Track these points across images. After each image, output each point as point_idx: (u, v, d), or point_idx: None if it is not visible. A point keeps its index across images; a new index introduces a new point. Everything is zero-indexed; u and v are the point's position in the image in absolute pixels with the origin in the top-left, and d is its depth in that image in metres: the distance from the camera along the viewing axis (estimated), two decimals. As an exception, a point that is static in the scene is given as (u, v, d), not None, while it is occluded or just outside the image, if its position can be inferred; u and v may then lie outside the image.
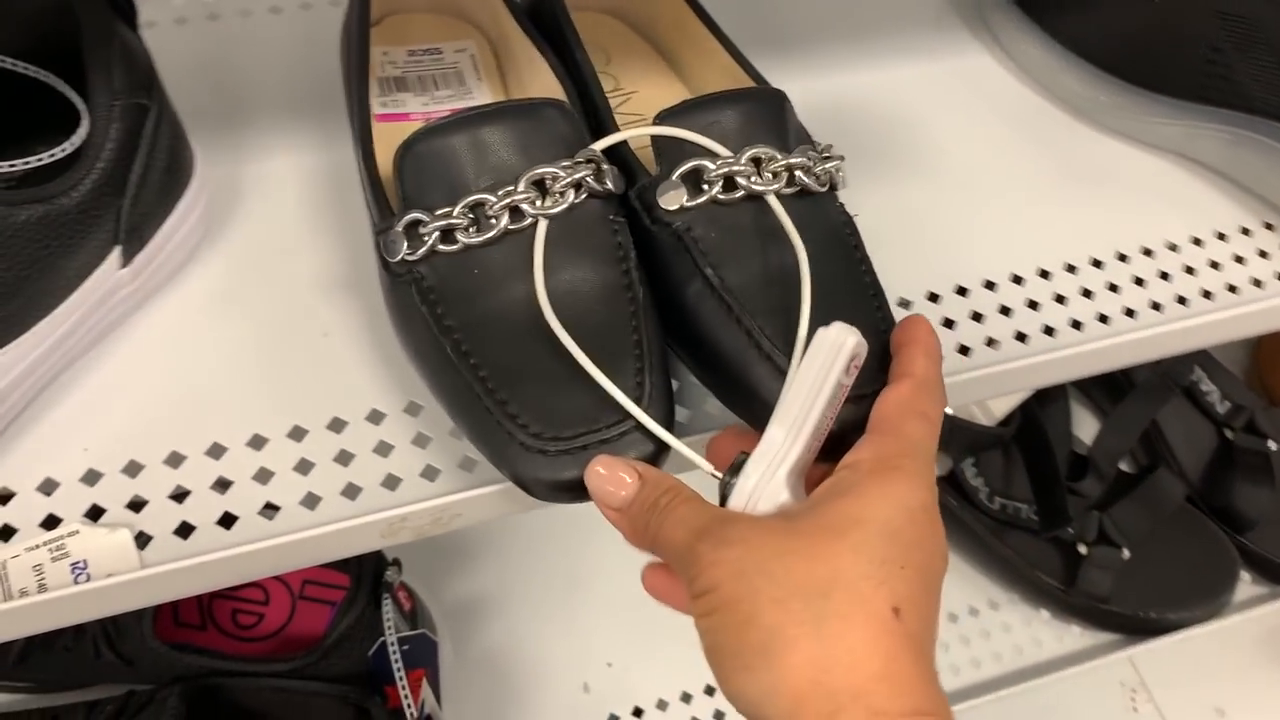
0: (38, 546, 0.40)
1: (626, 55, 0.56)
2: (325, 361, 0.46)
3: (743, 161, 0.43)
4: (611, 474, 0.38)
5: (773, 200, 0.43)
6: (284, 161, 0.52)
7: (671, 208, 0.43)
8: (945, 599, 0.76)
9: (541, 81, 0.50)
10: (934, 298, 0.52)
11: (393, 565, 0.60)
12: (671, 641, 0.70)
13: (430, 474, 0.44)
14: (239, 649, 0.62)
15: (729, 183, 0.43)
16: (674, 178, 0.43)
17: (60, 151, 0.39)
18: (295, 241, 0.50)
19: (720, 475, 0.38)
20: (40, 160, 0.39)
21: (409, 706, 0.54)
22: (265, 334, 0.47)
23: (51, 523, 0.41)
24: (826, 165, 0.45)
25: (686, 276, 0.43)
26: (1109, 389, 0.82)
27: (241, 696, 0.56)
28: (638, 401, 0.39)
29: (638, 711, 0.68)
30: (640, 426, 0.39)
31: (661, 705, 0.68)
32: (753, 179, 0.43)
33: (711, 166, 0.43)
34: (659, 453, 0.39)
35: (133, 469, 0.43)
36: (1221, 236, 0.57)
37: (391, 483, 0.43)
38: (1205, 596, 0.74)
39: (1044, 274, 0.54)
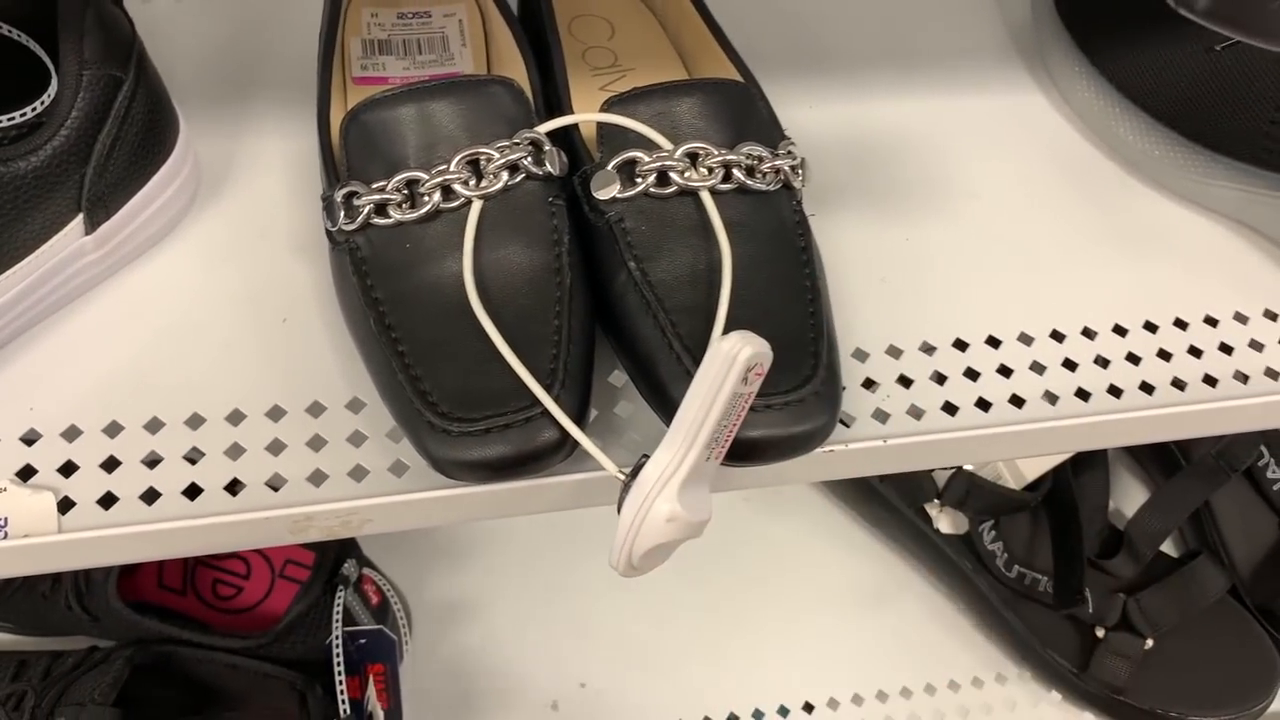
0: (-34, 499, 0.41)
1: (631, 31, 0.55)
2: (279, 349, 0.46)
3: (677, 156, 0.42)
4: None
5: (705, 197, 0.42)
6: (277, 142, 0.52)
7: (605, 197, 0.43)
8: (949, 665, 0.73)
9: (510, 55, 0.49)
10: (928, 349, 0.49)
11: (351, 559, 0.59)
12: (648, 671, 0.69)
13: (358, 474, 0.43)
14: (214, 619, 0.63)
15: (663, 177, 0.42)
16: (609, 168, 0.43)
17: (20, 116, 0.40)
18: (274, 223, 0.50)
19: (622, 476, 0.37)
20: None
21: (342, 701, 0.53)
22: (226, 314, 0.47)
23: (-17, 477, 0.42)
24: (777, 163, 0.43)
25: (615, 267, 0.42)
26: (1163, 464, 0.77)
27: (192, 666, 0.57)
28: (548, 388, 0.38)
29: (603, 737, 0.66)
30: (547, 413, 0.38)
31: (629, 734, 0.67)
32: (686, 174, 0.42)
33: (646, 159, 0.42)
34: (564, 442, 0.38)
35: (71, 434, 0.43)
36: (1271, 315, 0.52)
37: (317, 479, 0.43)
38: (1236, 701, 0.68)
39: (1057, 336, 0.50)
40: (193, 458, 0.43)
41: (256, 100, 0.54)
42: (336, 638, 0.54)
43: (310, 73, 0.54)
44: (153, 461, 0.43)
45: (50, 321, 0.46)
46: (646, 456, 0.37)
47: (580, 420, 0.39)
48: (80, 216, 0.43)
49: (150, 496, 0.42)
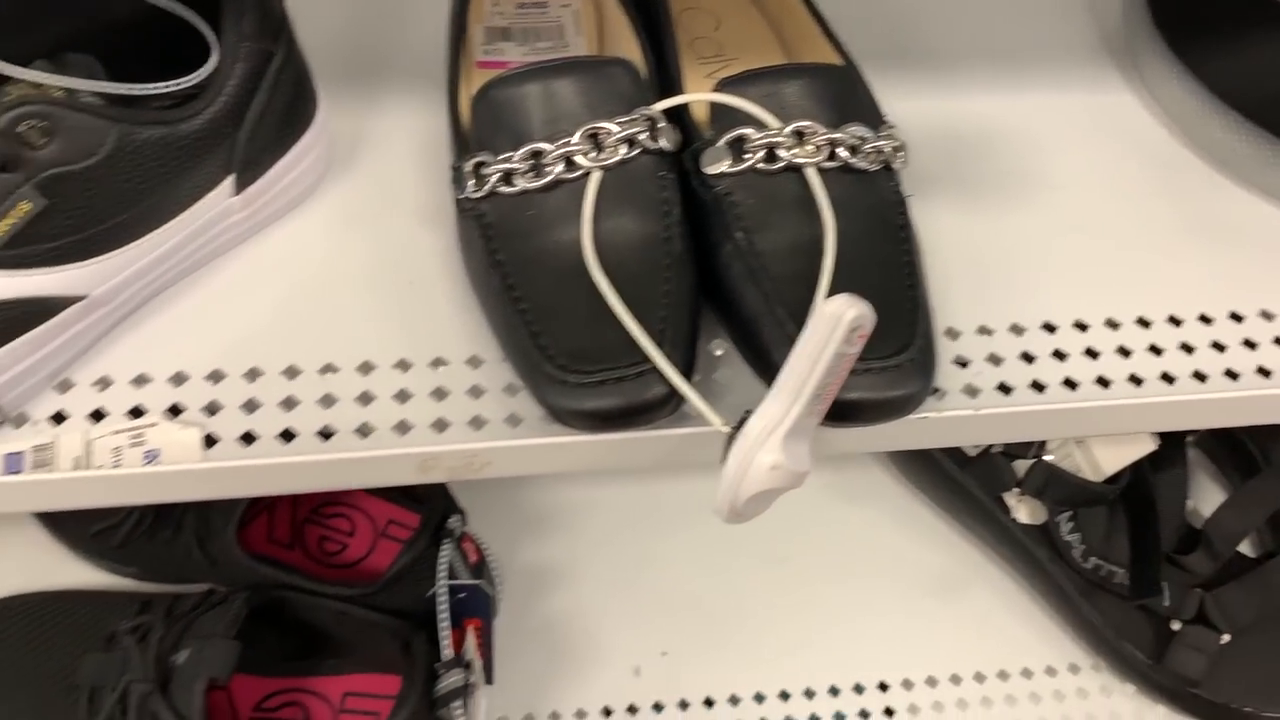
0: (120, 431, 0.45)
1: (736, 23, 0.58)
2: (405, 308, 0.49)
3: (785, 133, 0.44)
4: None
5: (810, 173, 0.44)
6: (403, 120, 0.56)
7: (713, 172, 0.46)
8: (1023, 652, 0.74)
9: (626, 43, 0.52)
10: (1017, 330, 0.51)
11: (457, 514, 0.63)
12: (727, 644, 0.71)
13: (477, 424, 0.46)
14: (319, 572, 0.66)
15: (771, 153, 0.45)
16: (719, 144, 0.45)
17: (186, 82, 0.44)
18: (401, 194, 0.53)
19: (726, 429, 0.39)
20: (162, 88, 0.43)
21: (445, 648, 0.56)
22: (356, 275, 0.50)
23: (137, 413, 0.46)
24: (879, 143, 0.46)
25: (721, 237, 0.45)
26: (1241, 466, 0.77)
27: (303, 612, 0.60)
28: (657, 346, 0.41)
29: (684, 704, 0.68)
30: (656, 369, 0.41)
31: (708, 703, 0.69)
32: (793, 150, 0.44)
33: (754, 135, 0.45)
34: (670, 396, 0.41)
35: (215, 377, 0.47)
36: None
37: (440, 426, 0.46)
38: (1312, 700, 0.68)
39: (1143, 322, 0.51)
40: (325, 403, 0.46)
41: (385, 82, 0.57)
42: (442, 589, 0.57)
43: (433, 57, 0.58)
44: (289, 404, 0.46)
45: (197, 275, 0.49)
46: (749, 412, 0.40)
47: (685, 378, 0.42)
48: (231, 178, 0.47)
49: (287, 436, 0.45)
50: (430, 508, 0.63)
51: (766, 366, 0.43)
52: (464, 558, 0.63)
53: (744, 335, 0.45)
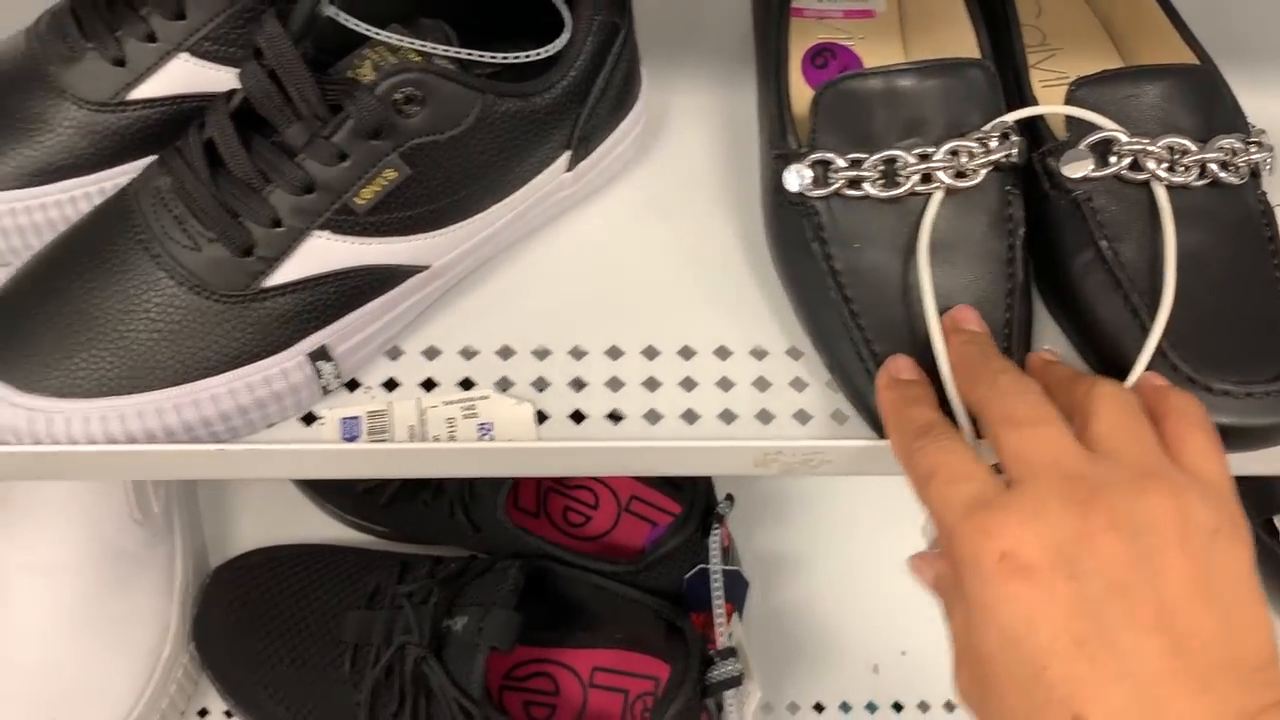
0: (453, 402, 0.45)
1: (1058, 10, 0.55)
2: (720, 293, 0.48)
3: (1158, 146, 0.42)
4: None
5: (1159, 190, 0.42)
6: (713, 96, 0.54)
7: (1075, 175, 0.43)
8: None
9: (954, 28, 0.50)
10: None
11: (726, 499, 0.62)
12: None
13: (802, 418, 0.45)
14: (563, 542, 0.67)
15: (1136, 162, 0.42)
16: (1081, 147, 0.43)
17: (545, 52, 0.43)
18: (707, 176, 0.52)
19: None
20: (522, 57, 0.43)
21: (722, 632, 0.56)
22: (672, 255, 0.49)
23: (466, 385, 0.46)
24: (1251, 155, 0.43)
25: (1078, 245, 0.43)
26: None
27: (564, 585, 0.61)
28: None
29: (923, 706, 0.67)
30: None
31: (949, 707, 0.67)
32: (1162, 166, 0.42)
33: (1124, 140, 0.42)
34: None
35: (541, 353, 0.47)
36: None
37: (765, 417, 0.45)
38: None
39: None
40: (650, 385, 0.46)
41: (694, 56, 0.56)
42: (715, 573, 0.57)
43: (735, 37, 0.57)
44: (615, 385, 0.46)
45: (520, 247, 0.49)
46: None
47: None
48: (567, 154, 0.47)
49: (615, 417, 0.45)
50: (695, 490, 0.62)
51: (1122, 379, 0.41)
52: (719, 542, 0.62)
53: (1099, 347, 0.43)
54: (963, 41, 0.49)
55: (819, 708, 0.67)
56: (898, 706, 0.67)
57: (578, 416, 0.45)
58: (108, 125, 0.45)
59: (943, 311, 0.41)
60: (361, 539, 0.70)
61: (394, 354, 0.46)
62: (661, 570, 0.61)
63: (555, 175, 0.47)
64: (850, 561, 0.70)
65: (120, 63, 0.45)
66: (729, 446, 0.43)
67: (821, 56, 0.51)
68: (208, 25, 0.45)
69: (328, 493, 0.68)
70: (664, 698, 0.53)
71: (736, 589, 0.61)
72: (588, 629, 0.62)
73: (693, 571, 0.60)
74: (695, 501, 0.61)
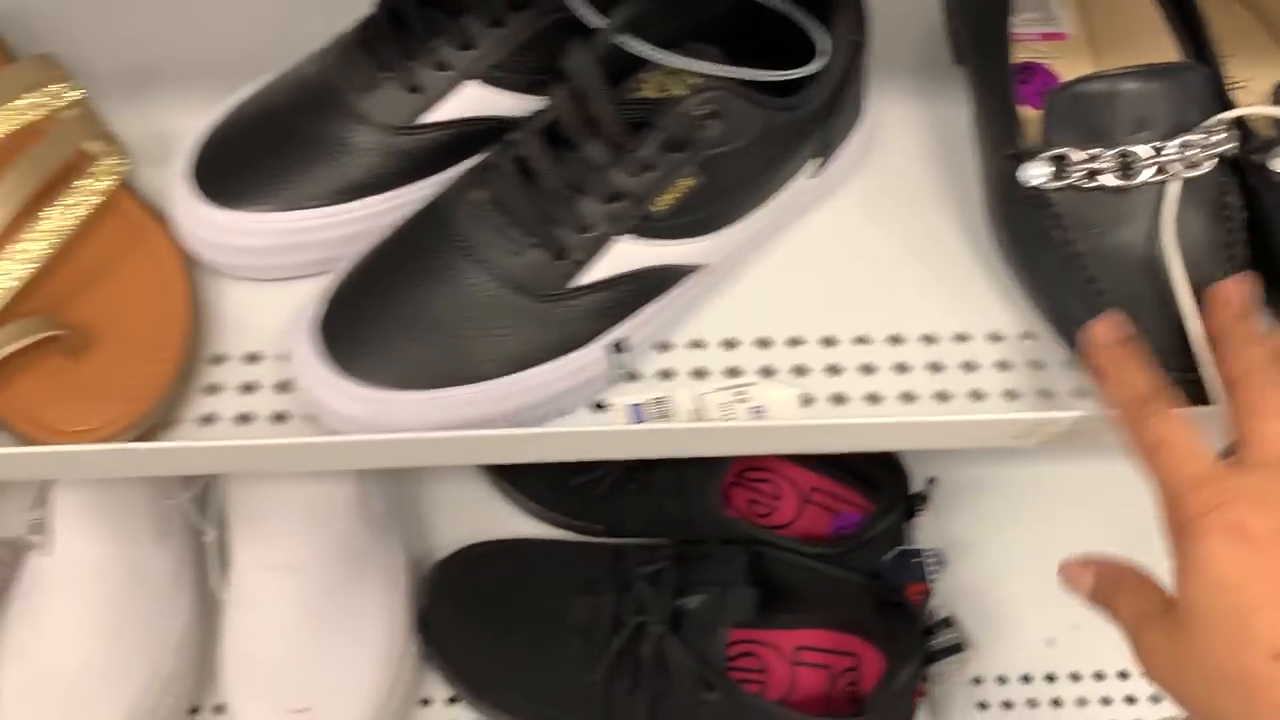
0: (725, 389, 0.50)
1: (1220, 17, 0.59)
2: (950, 281, 0.53)
3: None
4: None
5: None
6: (913, 108, 0.59)
7: None
8: None
9: (1152, 39, 0.54)
10: None
11: (931, 481, 0.66)
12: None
13: (1046, 394, 0.49)
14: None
15: None
16: None
17: (810, 69, 0.48)
18: (926, 175, 0.56)
19: None
20: (793, 75, 0.47)
21: (928, 610, 0.60)
22: (904, 250, 0.54)
23: (734, 373, 0.50)
24: None
25: None
26: None
27: (776, 568, 0.65)
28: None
29: (1099, 675, 0.71)
30: (1199, 381, 0.44)
31: (1123, 676, 0.71)
32: None
33: None
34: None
35: (793, 342, 0.51)
36: None
37: (1011, 395, 0.50)
38: None
39: None
40: (898, 370, 0.50)
41: (899, 69, 0.60)
42: (931, 553, 0.61)
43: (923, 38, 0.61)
44: (867, 369, 0.50)
45: (766, 247, 0.53)
46: None
47: None
48: (814, 162, 0.51)
49: (873, 399, 0.50)
50: (896, 476, 0.66)
51: None
52: (909, 525, 0.66)
53: None
54: (1163, 53, 0.54)
55: (1002, 680, 0.71)
56: (1075, 677, 0.71)
57: (838, 399, 0.50)
58: (403, 146, 0.50)
59: None
60: (558, 534, 0.74)
61: (663, 347, 0.51)
62: (866, 552, 0.65)
63: (802, 180, 0.52)
64: (1024, 542, 0.74)
65: (415, 89, 0.49)
66: (987, 420, 0.48)
67: (1024, 74, 0.56)
68: (495, 54, 0.49)
69: (534, 491, 0.72)
70: (890, 668, 0.57)
71: (929, 567, 0.65)
72: (790, 610, 0.66)
73: (892, 553, 0.64)
74: (898, 487, 0.66)
